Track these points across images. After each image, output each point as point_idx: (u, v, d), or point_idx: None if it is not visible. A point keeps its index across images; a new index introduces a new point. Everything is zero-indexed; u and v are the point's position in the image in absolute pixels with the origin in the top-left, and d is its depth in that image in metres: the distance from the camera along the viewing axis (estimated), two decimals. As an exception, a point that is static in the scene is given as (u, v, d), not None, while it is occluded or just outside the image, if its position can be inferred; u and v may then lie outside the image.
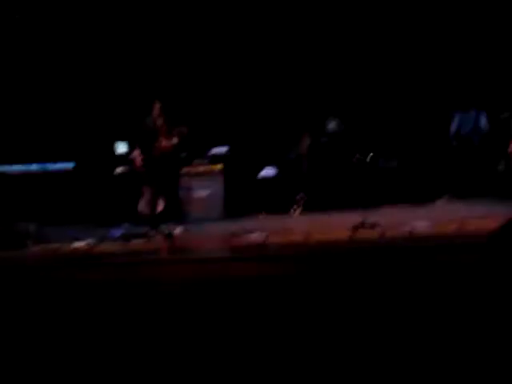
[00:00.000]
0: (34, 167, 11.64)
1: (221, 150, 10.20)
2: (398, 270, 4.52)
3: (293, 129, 10.58)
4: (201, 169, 10.02)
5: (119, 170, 10.54)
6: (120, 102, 11.49)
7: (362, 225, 6.13)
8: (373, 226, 6.11)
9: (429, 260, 4.57)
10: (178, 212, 8.15)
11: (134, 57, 11.77)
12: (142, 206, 8.01)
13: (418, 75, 10.55)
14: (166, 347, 3.37)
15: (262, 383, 2.69)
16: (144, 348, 3.33)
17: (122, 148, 10.84)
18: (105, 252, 6.62)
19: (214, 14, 11.43)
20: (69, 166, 12.07)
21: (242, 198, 10.35)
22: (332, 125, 10.30)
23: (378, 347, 2.87)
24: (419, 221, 6.08)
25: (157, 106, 7.62)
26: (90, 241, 7.15)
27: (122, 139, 10.73)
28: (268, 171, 10.34)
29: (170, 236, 7.20)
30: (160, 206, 8.60)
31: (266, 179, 10.22)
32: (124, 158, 10.17)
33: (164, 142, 7.49)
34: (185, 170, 9.94)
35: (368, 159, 8.13)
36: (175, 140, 7.51)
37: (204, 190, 9.87)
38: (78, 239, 7.41)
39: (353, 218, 6.46)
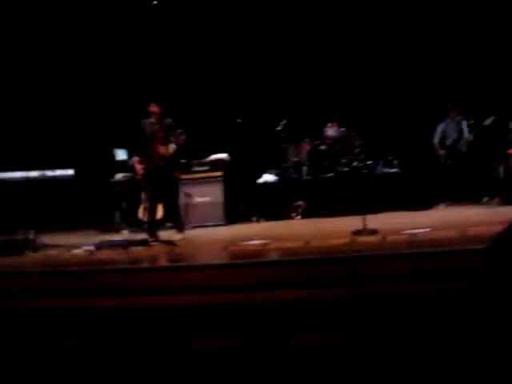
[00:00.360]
0: (33, 174, 11.63)
1: (220, 156, 10.19)
2: (399, 275, 4.49)
3: (292, 135, 10.58)
4: (201, 175, 10.00)
5: (118, 176, 10.53)
6: (119, 108, 11.50)
7: (363, 231, 6.09)
8: (373, 231, 6.07)
9: (430, 265, 4.54)
10: (177, 219, 8.11)
11: (132, 64, 11.79)
12: (142, 212, 7.99)
13: (410, 81, 10.59)
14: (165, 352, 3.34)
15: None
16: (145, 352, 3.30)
17: (121, 155, 10.84)
18: (104, 259, 6.58)
19: (214, 21, 11.45)
20: (68, 172, 12.07)
21: (242, 204, 10.35)
22: (332, 131, 10.30)
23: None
24: (419, 226, 6.05)
25: (155, 112, 7.57)
26: (88, 248, 7.11)
27: (121, 146, 10.74)
28: (267, 177, 10.33)
29: (169, 243, 7.17)
30: (159, 213, 8.58)
31: (265, 185, 10.20)
32: (123, 165, 10.17)
33: (161, 150, 7.44)
34: (184, 176, 9.93)
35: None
36: (172, 147, 7.47)
37: (204, 197, 9.86)
38: (76, 246, 7.37)
39: (353, 223, 6.43)
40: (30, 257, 7.18)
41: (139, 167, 7.63)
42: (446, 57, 10.50)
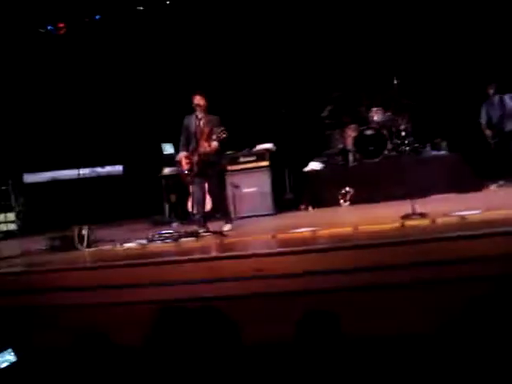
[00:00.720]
0: (85, 171, 11.91)
1: (266, 146, 10.21)
2: (450, 258, 4.46)
3: (337, 121, 10.53)
4: (247, 166, 10.05)
5: (166, 170, 10.69)
6: (165, 103, 11.65)
7: (412, 214, 6.05)
8: (423, 214, 6.02)
9: (480, 247, 4.49)
10: (225, 210, 8.19)
11: (177, 58, 11.91)
12: (191, 205, 8.09)
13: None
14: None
15: None
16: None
17: (168, 149, 10.99)
18: (156, 251, 6.71)
19: (256, 11, 11.47)
20: (118, 168, 12.31)
21: (290, 192, 10.37)
22: (377, 115, 10.19)
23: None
24: (469, 208, 5.97)
25: (200, 105, 7.63)
26: (141, 241, 7.25)
27: (168, 141, 10.89)
28: (314, 165, 10.32)
29: (219, 233, 7.26)
30: (208, 205, 8.67)
31: (312, 173, 10.19)
32: (171, 159, 10.31)
33: (205, 146, 7.52)
34: (231, 167, 10.01)
35: None
36: (215, 144, 7.53)
37: (251, 187, 9.91)
38: (129, 240, 7.54)
39: (402, 208, 6.38)
40: (84, 252, 7.37)
41: (185, 162, 7.72)
42: (491, 33, 10.27)
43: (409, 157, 9.61)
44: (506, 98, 9.53)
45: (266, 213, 9.74)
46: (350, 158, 10.24)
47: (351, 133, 10.26)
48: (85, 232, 7.59)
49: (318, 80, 11.12)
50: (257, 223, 8.72)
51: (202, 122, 7.68)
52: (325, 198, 9.75)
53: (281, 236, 6.36)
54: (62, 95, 12.43)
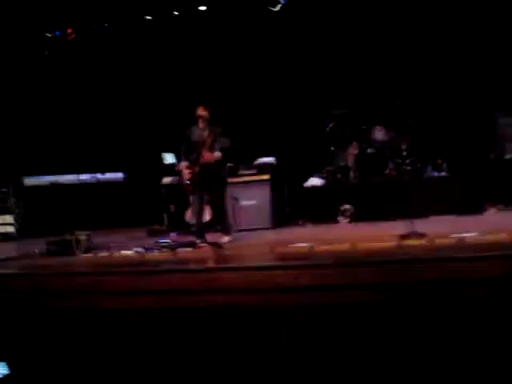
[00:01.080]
0: (85, 177, 11.91)
1: (267, 159, 10.23)
2: (447, 279, 4.46)
3: (339, 138, 10.55)
4: (248, 178, 10.06)
5: (166, 180, 10.70)
6: (167, 113, 11.69)
7: (410, 234, 6.04)
8: (421, 235, 6.02)
9: (478, 269, 4.48)
10: (224, 221, 8.19)
11: (180, 69, 11.96)
12: (189, 215, 8.09)
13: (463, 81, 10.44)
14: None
15: None
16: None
17: (169, 159, 11.00)
18: (153, 260, 6.70)
19: (259, 25, 11.52)
20: (118, 175, 12.33)
21: (289, 207, 10.37)
22: (379, 134, 10.21)
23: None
24: (468, 230, 5.97)
25: (203, 117, 7.67)
26: (138, 249, 7.24)
27: (169, 150, 10.91)
28: (314, 181, 10.32)
29: (216, 245, 7.25)
30: (207, 216, 8.67)
31: (312, 189, 10.20)
32: (171, 169, 10.33)
33: (207, 156, 7.54)
34: (232, 179, 10.01)
35: None
36: (218, 154, 7.56)
37: (251, 200, 9.91)
38: (126, 247, 7.53)
39: (400, 227, 6.38)
40: (82, 257, 7.36)
41: (186, 172, 7.73)
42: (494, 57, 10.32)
43: (409, 177, 9.63)
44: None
45: (265, 226, 9.73)
46: (351, 175, 10.25)
47: (353, 150, 10.28)
48: (82, 237, 7.58)
49: (321, 96, 11.16)
50: (255, 236, 8.71)
51: (204, 133, 7.71)
52: (324, 214, 9.75)
53: (278, 250, 6.35)
54: (66, 100, 12.47)
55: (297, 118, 11.05)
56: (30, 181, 12.03)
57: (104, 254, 7.41)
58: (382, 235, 6.81)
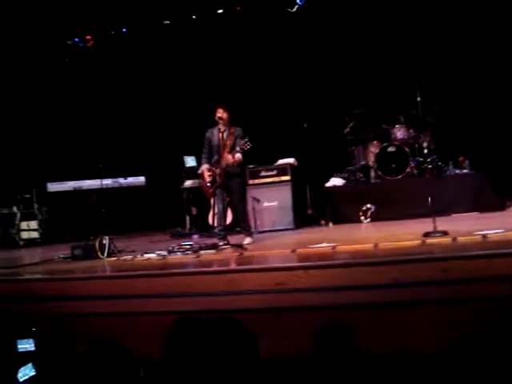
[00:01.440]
0: (107, 182, 12.01)
1: (288, 160, 10.24)
2: (470, 276, 4.43)
3: (359, 137, 10.52)
4: (268, 180, 10.07)
5: (188, 183, 10.76)
6: (188, 116, 11.74)
7: (433, 232, 6.01)
8: (444, 233, 5.99)
9: (502, 266, 4.45)
10: (246, 223, 8.21)
11: (200, 71, 12.01)
12: (211, 217, 8.12)
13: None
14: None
15: None
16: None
17: (190, 162, 11.06)
18: (176, 263, 6.74)
19: (279, 26, 11.53)
20: (140, 180, 12.41)
21: (310, 208, 10.36)
22: (400, 132, 10.16)
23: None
24: (492, 227, 5.93)
25: (223, 118, 7.69)
26: (161, 252, 7.29)
27: (190, 153, 10.96)
28: (335, 181, 10.30)
29: (239, 247, 7.27)
30: (229, 218, 8.70)
31: (333, 189, 10.18)
32: (193, 172, 10.38)
33: (228, 158, 7.55)
34: (253, 181, 10.04)
35: None
36: (238, 156, 7.58)
37: (272, 201, 9.93)
38: (149, 251, 7.58)
39: (423, 226, 6.36)
40: (105, 261, 7.42)
41: (207, 175, 7.76)
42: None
43: (431, 175, 9.57)
44: None
45: (287, 227, 9.75)
46: (372, 174, 10.21)
47: (373, 149, 10.23)
48: (105, 242, 7.65)
49: (340, 95, 11.13)
50: (277, 237, 8.72)
51: (224, 135, 7.73)
52: (345, 214, 9.73)
53: (300, 251, 6.35)
54: (88, 106, 12.58)
55: (317, 118, 11.02)
56: (53, 186, 12.15)
57: (127, 257, 7.46)
58: (404, 234, 6.79)
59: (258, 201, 9.83)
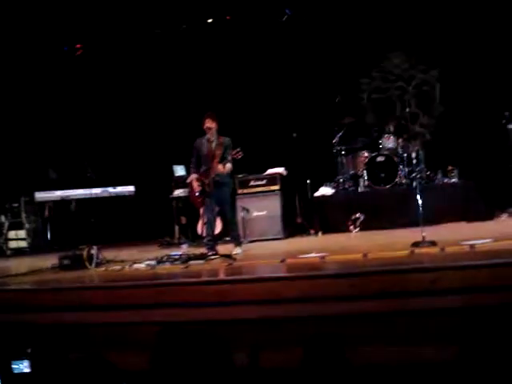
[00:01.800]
0: (96, 191, 11.97)
1: (277, 170, 10.24)
2: (459, 287, 4.44)
3: (348, 147, 10.55)
4: (258, 189, 10.07)
5: (177, 192, 10.73)
6: (177, 126, 11.74)
7: (421, 242, 6.03)
8: (432, 243, 6.00)
9: (491, 276, 4.46)
10: (235, 233, 8.20)
11: (188, 81, 12.02)
12: (200, 227, 8.11)
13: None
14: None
15: None
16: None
17: (179, 171, 11.04)
18: (164, 273, 6.72)
19: (267, 36, 11.57)
20: (129, 189, 12.38)
21: (300, 217, 10.35)
22: (389, 141, 10.20)
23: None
24: (480, 237, 5.95)
25: (211, 128, 7.69)
26: (150, 262, 7.26)
27: (179, 163, 10.94)
28: (324, 190, 10.31)
29: (228, 257, 7.26)
30: (218, 228, 8.69)
31: (322, 198, 10.19)
32: (182, 181, 10.36)
33: (219, 168, 7.55)
34: (242, 190, 10.03)
35: None
36: (229, 166, 7.58)
37: (261, 211, 9.92)
38: (138, 261, 7.55)
39: (412, 235, 6.37)
40: (93, 271, 7.39)
41: (196, 184, 7.76)
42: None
43: (420, 184, 9.60)
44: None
45: (276, 237, 9.74)
46: (361, 183, 10.23)
47: (362, 159, 10.26)
48: (94, 252, 7.61)
49: (329, 105, 11.16)
50: (266, 247, 8.72)
51: (213, 145, 7.73)
52: (335, 224, 9.74)
53: (290, 261, 6.35)
54: (76, 114, 12.55)
55: (306, 127, 11.04)
56: (40, 196, 12.08)
57: (116, 267, 7.42)
58: (393, 244, 6.81)
59: (247, 210, 9.81)
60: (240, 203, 9.85)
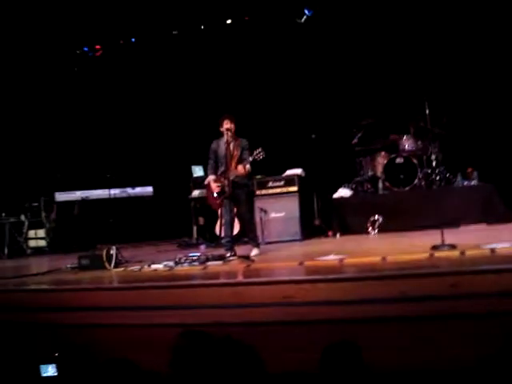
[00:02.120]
0: (115, 192, 12.03)
1: (296, 171, 10.22)
2: (480, 291, 4.39)
3: (367, 148, 10.50)
4: (276, 191, 10.06)
5: (195, 193, 10.75)
6: (195, 126, 11.76)
7: (441, 245, 5.98)
8: (452, 246, 5.95)
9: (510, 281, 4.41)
10: (253, 234, 8.19)
11: (207, 81, 12.04)
12: (219, 228, 8.11)
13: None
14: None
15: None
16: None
17: (198, 171, 11.06)
18: (182, 274, 6.72)
19: (285, 37, 11.56)
20: (148, 190, 12.43)
21: (318, 219, 10.33)
22: (408, 143, 10.14)
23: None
24: (500, 240, 5.89)
25: (229, 129, 7.69)
26: (168, 263, 7.28)
27: (198, 163, 10.97)
28: (343, 192, 10.28)
29: (246, 258, 7.25)
30: (236, 229, 8.69)
31: (341, 200, 10.16)
32: (200, 182, 10.38)
33: (239, 169, 7.55)
34: (260, 191, 10.02)
35: None
36: (248, 167, 7.58)
37: (279, 212, 9.91)
38: (156, 261, 7.57)
39: (431, 238, 6.32)
40: (112, 272, 7.42)
41: (214, 185, 7.77)
42: None
43: (439, 186, 9.54)
44: None
45: (294, 238, 9.72)
46: (380, 185, 10.18)
47: (381, 160, 10.21)
48: (113, 252, 7.64)
49: (349, 106, 11.13)
50: (284, 249, 8.69)
51: (231, 146, 7.72)
52: (353, 226, 9.70)
53: (308, 263, 6.32)
54: (96, 116, 12.64)
55: (325, 128, 11.02)
56: (61, 196, 12.17)
57: (134, 268, 7.44)
58: (412, 246, 6.76)
59: (265, 211, 9.80)
60: (258, 204, 9.84)
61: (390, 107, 10.60)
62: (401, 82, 10.77)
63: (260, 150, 7.50)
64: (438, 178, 9.64)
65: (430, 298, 4.52)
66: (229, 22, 11.89)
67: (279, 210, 9.92)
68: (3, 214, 11.85)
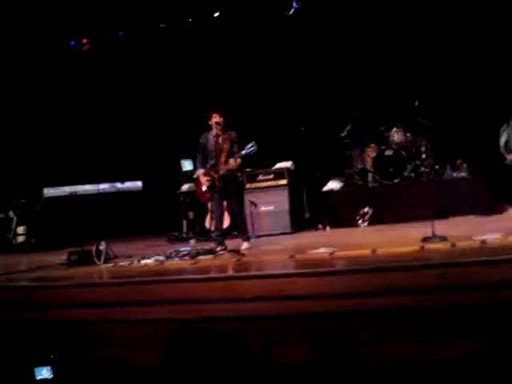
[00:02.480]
0: (104, 186, 11.96)
1: (285, 164, 10.20)
2: (470, 283, 4.40)
3: (357, 141, 10.50)
4: (265, 184, 10.04)
5: (185, 187, 10.71)
6: (184, 120, 11.70)
7: (431, 237, 5.98)
8: (442, 238, 5.96)
9: (501, 272, 4.42)
10: (243, 228, 8.17)
11: (195, 74, 11.99)
12: (208, 222, 8.09)
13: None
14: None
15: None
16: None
17: (187, 166, 11.02)
18: (173, 269, 6.70)
19: (275, 30, 11.52)
20: (137, 184, 12.36)
21: (308, 212, 10.31)
22: (397, 136, 10.13)
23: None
24: (490, 232, 5.90)
25: (219, 123, 7.65)
26: (158, 257, 7.25)
27: (187, 157, 10.92)
28: (333, 184, 10.27)
29: (237, 252, 7.24)
30: (226, 222, 8.67)
31: (330, 193, 10.15)
32: (190, 176, 10.34)
33: (230, 162, 7.52)
34: (250, 185, 10.00)
35: None
36: (239, 160, 7.55)
37: (269, 205, 9.89)
38: (146, 256, 7.53)
39: (421, 230, 6.33)
40: (102, 267, 7.38)
41: (204, 179, 7.74)
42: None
43: (428, 178, 9.55)
44: None
45: (284, 231, 9.70)
46: (369, 178, 10.17)
47: (370, 153, 10.21)
48: (102, 247, 7.60)
49: (337, 99, 11.10)
50: (274, 242, 8.67)
51: (220, 139, 7.69)
52: (343, 218, 9.69)
53: (298, 257, 6.32)
54: (83, 110, 12.56)
55: (314, 121, 10.99)
56: (49, 192, 12.08)
57: (124, 263, 7.41)
58: (403, 239, 6.77)
59: (255, 205, 9.77)
60: (248, 198, 9.81)
61: (379, 99, 10.58)
62: (390, 74, 10.75)
63: (253, 143, 7.47)
64: (427, 170, 9.64)
65: (421, 291, 4.53)
66: (217, 14, 11.81)
67: (269, 203, 9.89)
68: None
